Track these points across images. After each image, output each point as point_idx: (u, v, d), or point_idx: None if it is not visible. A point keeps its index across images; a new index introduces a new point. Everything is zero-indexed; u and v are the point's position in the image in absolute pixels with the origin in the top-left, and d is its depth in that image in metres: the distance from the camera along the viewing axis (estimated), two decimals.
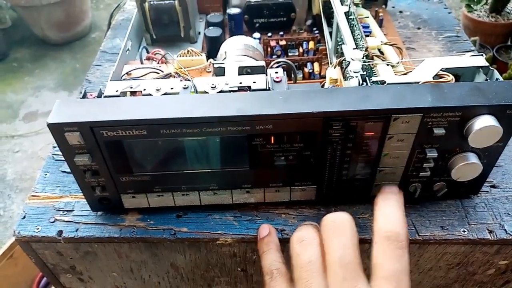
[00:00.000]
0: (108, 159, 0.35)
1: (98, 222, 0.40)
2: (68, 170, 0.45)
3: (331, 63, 0.52)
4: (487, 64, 0.39)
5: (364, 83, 0.40)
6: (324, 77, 0.50)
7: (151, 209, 0.40)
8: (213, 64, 0.44)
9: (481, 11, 1.69)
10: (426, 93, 0.34)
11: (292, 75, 0.50)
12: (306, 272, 0.27)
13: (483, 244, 0.38)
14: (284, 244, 0.38)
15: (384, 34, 0.53)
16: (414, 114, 0.33)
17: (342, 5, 0.52)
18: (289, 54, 0.58)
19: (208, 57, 0.48)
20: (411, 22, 0.68)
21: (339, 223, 0.29)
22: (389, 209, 0.28)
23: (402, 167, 0.37)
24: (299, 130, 0.34)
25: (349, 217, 0.30)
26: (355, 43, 0.46)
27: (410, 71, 0.40)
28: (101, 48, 0.65)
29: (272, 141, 0.35)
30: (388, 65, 0.42)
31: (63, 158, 0.46)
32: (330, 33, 0.56)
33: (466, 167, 0.36)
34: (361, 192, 0.39)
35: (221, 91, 0.38)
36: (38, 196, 0.43)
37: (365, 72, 0.41)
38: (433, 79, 0.37)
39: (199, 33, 0.64)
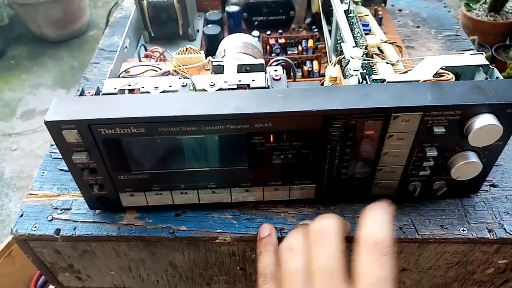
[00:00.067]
0: (106, 157, 0.35)
1: (96, 221, 0.40)
2: (66, 168, 0.44)
3: (330, 62, 0.52)
4: (487, 62, 0.39)
5: (364, 82, 0.39)
6: (324, 75, 0.50)
7: (149, 208, 0.40)
8: (211, 62, 0.44)
9: (480, 10, 1.69)
10: (426, 92, 0.33)
11: (292, 74, 0.50)
12: (292, 280, 0.28)
13: (483, 243, 0.38)
14: None
15: (384, 33, 0.53)
16: (414, 113, 0.33)
17: (341, 3, 0.52)
18: (288, 52, 0.58)
19: (206, 55, 0.48)
20: (410, 20, 0.68)
21: (324, 232, 0.29)
22: (375, 217, 0.28)
23: (402, 166, 0.37)
24: (299, 128, 0.34)
25: (334, 223, 0.29)
26: (355, 41, 0.46)
27: (410, 70, 0.40)
28: (99, 46, 0.65)
29: (271, 140, 0.35)
30: (388, 63, 0.42)
31: (60, 156, 0.46)
32: (330, 31, 0.56)
33: (466, 166, 0.36)
34: (360, 191, 0.39)
35: (220, 89, 0.38)
36: (35, 194, 0.43)
37: (365, 70, 0.41)
38: (433, 77, 0.37)
39: (198, 31, 0.63)
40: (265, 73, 0.40)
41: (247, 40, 0.51)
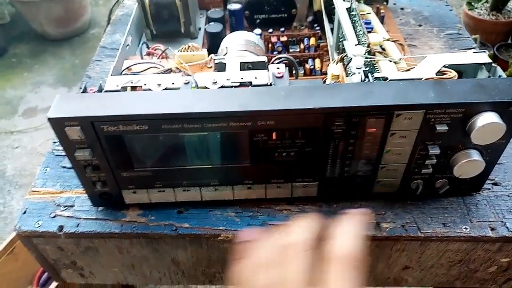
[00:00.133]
0: (109, 154, 0.35)
1: (99, 218, 0.40)
2: (69, 165, 0.44)
3: (332, 60, 0.52)
4: (490, 60, 0.39)
5: (366, 79, 0.39)
6: (325, 73, 0.50)
7: (152, 205, 0.40)
8: (214, 59, 0.44)
9: (481, 9, 1.68)
10: (428, 90, 0.33)
11: (294, 71, 0.50)
12: None
13: (485, 241, 0.38)
14: None
15: (386, 31, 0.53)
16: (416, 111, 0.33)
17: (344, 1, 0.52)
18: (290, 50, 0.58)
19: (208, 53, 0.48)
20: (412, 19, 0.67)
21: (295, 246, 0.28)
22: (345, 229, 0.28)
23: (404, 164, 0.37)
24: (301, 126, 0.34)
25: (305, 234, 0.28)
26: (357, 39, 0.45)
27: (413, 68, 0.40)
28: (100, 43, 0.65)
29: (274, 137, 0.35)
30: (390, 61, 0.42)
31: (63, 154, 0.46)
32: (331, 29, 0.56)
33: (469, 164, 0.36)
34: (363, 188, 0.39)
35: (222, 87, 0.38)
36: (38, 191, 0.43)
37: (367, 68, 0.41)
38: (436, 75, 0.37)
39: (199, 29, 0.63)
40: (268, 70, 0.40)
41: (249, 37, 0.51)
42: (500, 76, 0.38)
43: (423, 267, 0.41)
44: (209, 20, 0.61)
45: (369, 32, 0.50)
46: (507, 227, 0.38)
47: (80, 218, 0.40)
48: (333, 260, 0.26)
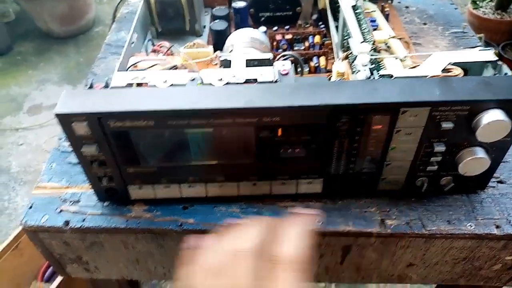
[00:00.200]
0: (115, 150, 0.35)
1: (105, 213, 0.40)
2: (74, 161, 0.45)
3: (337, 58, 0.52)
4: (496, 58, 0.39)
5: (372, 77, 0.39)
6: (330, 71, 0.50)
7: (157, 200, 0.40)
8: (219, 56, 0.44)
9: (486, 8, 1.68)
10: (434, 87, 0.33)
11: (299, 69, 0.50)
12: None
13: (490, 239, 0.38)
14: None
15: (391, 29, 0.53)
16: (422, 108, 0.33)
17: None
18: (295, 48, 0.58)
19: (214, 51, 0.48)
20: (417, 17, 0.67)
21: (241, 255, 0.27)
22: (293, 230, 0.29)
23: (409, 161, 0.37)
24: (307, 122, 0.34)
25: (251, 244, 0.28)
26: (363, 37, 0.45)
27: (418, 65, 0.40)
28: (105, 41, 0.65)
29: (279, 134, 0.35)
30: (396, 59, 0.42)
31: (69, 150, 0.46)
32: (336, 27, 0.56)
33: (474, 161, 0.36)
34: (367, 185, 0.39)
35: (227, 83, 0.38)
36: (44, 186, 0.43)
37: (372, 66, 0.41)
38: (442, 73, 0.37)
39: (204, 27, 0.63)
40: (273, 68, 0.40)
41: (255, 35, 0.51)
42: (506, 74, 0.38)
43: (428, 264, 0.41)
44: (214, 18, 0.61)
45: (374, 30, 0.50)
46: None
47: (86, 213, 0.40)
48: (279, 264, 0.26)
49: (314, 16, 0.64)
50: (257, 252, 0.27)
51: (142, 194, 0.40)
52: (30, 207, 0.41)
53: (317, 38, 0.58)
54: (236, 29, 0.56)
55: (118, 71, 0.43)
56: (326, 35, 0.59)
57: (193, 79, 0.39)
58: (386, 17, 0.62)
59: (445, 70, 0.38)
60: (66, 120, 0.33)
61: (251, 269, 0.26)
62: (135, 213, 0.40)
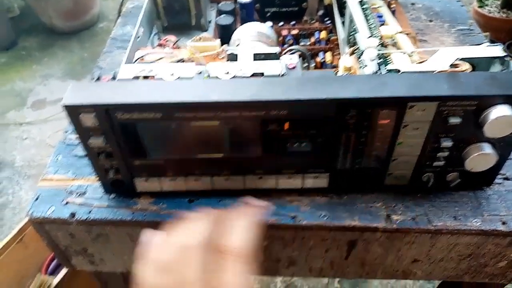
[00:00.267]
0: (122, 142, 0.36)
1: (111, 205, 0.40)
2: (80, 154, 0.45)
3: (343, 53, 0.52)
4: (504, 54, 0.38)
5: (379, 72, 0.39)
6: (336, 66, 0.50)
7: (163, 193, 0.40)
8: (226, 50, 0.44)
9: (492, 7, 1.67)
10: (442, 82, 0.33)
11: (305, 64, 0.50)
12: None
13: (496, 235, 0.37)
14: (295, 230, 0.39)
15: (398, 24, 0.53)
16: (430, 102, 0.33)
17: None
18: (301, 43, 0.58)
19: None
20: (423, 14, 0.67)
21: (188, 248, 0.28)
22: (240, 222, 0.29)
23: (416, 156, 0.37)
24: (314, 116, 0.34)
25: (200, 238, 0.28)
26: (370, 32, 0.45)
27: (425, 60, 0.40)
28: (111, 35, 0.65)
29: (286, 127, 0.35)
30: (404, 54, 0.42)
31: (75, 143, 0.47)
32: (342, 23, 0.56)
33: (481, 157, 0.35)
34: (373, 180, 0.39)
35: (234, 77, 0.38)
36: (50, 178, 0.43)
37: (380, 60, 0.41)
38: (449, 68, 0.37)
39: (210, 21, 0.63)
40: (280, 62, 0.40)
41: (261, 29, 0.51)
42: None
43: (433, 260, 0.41)
44: (220, 12, 0.61)
45: (381, 25, 0.50)
46: None
47: (92, 206, 0.40)
48: (227, 256, 0.27)
49: (320, 12, 0.64)
50: (205, 245, 0.27)
51: (148, 186, 0.40)
52: (36, 199, 0.41)
53: (323, 34, 0.58)
54: (242, 25, 0.56)
55: (126, 63, 0.43)
56: (332, 30, 0.59)
57: (200, 72, 0.39)
58: (392, 13, 0.62)
59: (453, 65, 0.38)
60: (74, 112, 0.33)
61: (199, 263, 0.26)
62: (141, 206, 0.40)
